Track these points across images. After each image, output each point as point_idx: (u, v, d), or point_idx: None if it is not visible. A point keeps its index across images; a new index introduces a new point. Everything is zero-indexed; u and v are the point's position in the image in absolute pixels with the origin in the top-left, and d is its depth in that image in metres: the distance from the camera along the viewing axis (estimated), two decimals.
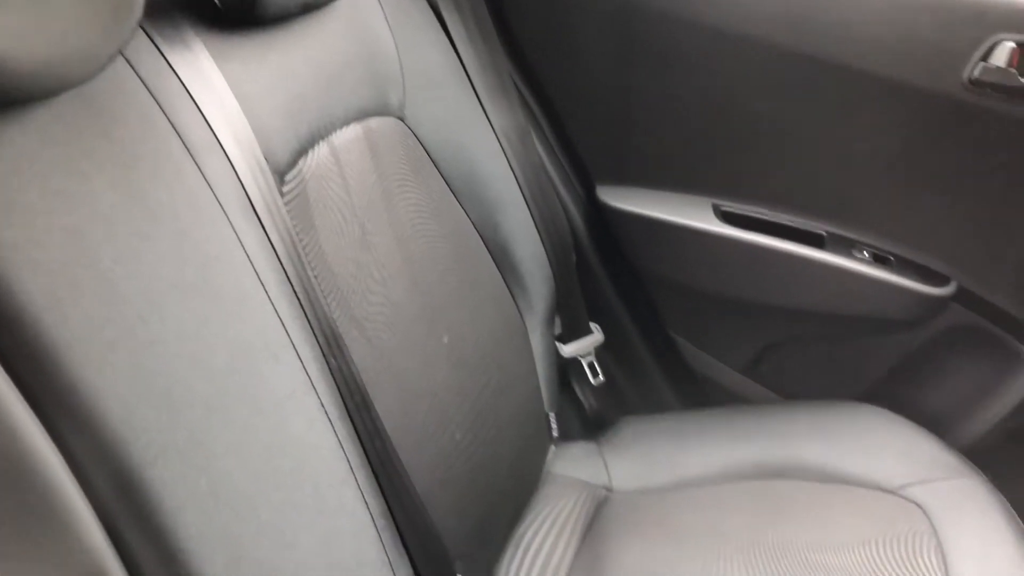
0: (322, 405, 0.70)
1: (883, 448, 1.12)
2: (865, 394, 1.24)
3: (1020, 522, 1.01)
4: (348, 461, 0.71)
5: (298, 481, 0.65)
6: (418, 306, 0.92)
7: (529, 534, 1.07)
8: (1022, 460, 1.18)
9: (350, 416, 0.73)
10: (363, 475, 0.73)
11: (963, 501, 1.03)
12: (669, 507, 1.11)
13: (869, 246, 1.20)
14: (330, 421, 0.70)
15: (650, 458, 1.20)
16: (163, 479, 0.54)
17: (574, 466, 1.20)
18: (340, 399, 0.73)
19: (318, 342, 0.72)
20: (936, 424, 1.17)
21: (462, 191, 1.04)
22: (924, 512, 1.01)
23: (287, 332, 0.69)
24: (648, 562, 1.01)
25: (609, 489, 1.17)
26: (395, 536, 0.75)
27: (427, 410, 0.88)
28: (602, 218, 1.31)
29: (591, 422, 1.25)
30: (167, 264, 0.59)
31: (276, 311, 0.69)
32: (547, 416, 1.16)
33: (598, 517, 1.12)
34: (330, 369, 0.73)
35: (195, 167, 0.65)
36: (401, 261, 0.92)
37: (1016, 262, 1.14)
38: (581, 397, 1.23)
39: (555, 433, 1.18)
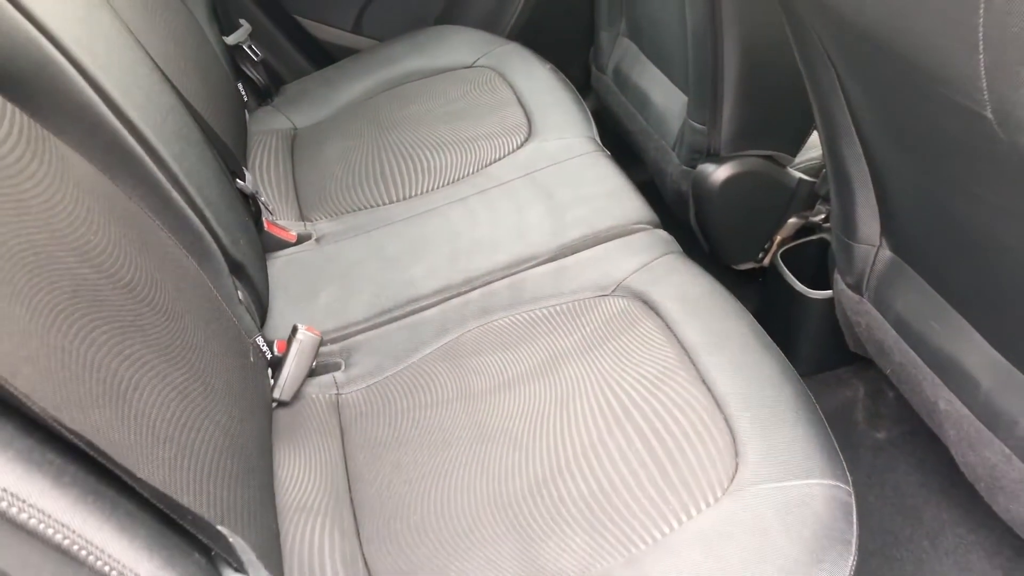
0: None
1: (459, 45, 1.70)
2: (439, 20, 1.82)
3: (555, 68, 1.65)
4: None
5: None
6: None
7: (257, 163, 1.52)
8: (544, 35, 1.83)
9: None
10: None
11: (517, 59, 1.64)
12: (340, 124, 1.61)
13: None
14: None
15: (314, 101, 1.68)
16: None
17: (266, 122, 1.65)
18: None
19: None
20: (485, 24, 1.78)
21: None
22: (496, 71, 1.62)
23: None
24: (341, 151, 1.51)
25: (295, 128, 1.64)
26: None
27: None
28: None
29: (263, 93, 1.68)
30: None
31: None
32: (236, 86, 1.57)
33: (296, 146, 1.59)
34: None
35: None
36: None
37: None
38: (251, 74, 1.65)
39: (245, 99, 1.61)
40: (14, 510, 0.46)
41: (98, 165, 0.88)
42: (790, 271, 1.45)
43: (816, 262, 1.50)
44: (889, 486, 1.32)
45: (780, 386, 0.94)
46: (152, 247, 0.89)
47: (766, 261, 1.54)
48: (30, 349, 0.61)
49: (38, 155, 0.77)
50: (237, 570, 0.59)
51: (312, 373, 1.09)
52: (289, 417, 1.05)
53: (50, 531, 0.47)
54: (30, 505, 0.47)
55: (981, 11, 0.61)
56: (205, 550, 0.59)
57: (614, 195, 1.26)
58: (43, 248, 0.70)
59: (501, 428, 0.97)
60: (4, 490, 0.46)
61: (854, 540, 0.80)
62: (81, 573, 0.48)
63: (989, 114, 0.66)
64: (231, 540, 0.60)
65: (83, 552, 0.49)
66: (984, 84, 0.65)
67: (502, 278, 1.17)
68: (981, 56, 0.63)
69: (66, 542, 0.48)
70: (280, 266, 1.28)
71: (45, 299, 0.66)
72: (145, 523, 0.54)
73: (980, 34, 0.62)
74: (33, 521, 0.46)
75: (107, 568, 0.50)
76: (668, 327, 1.03)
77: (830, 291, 1.33)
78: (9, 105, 0.78)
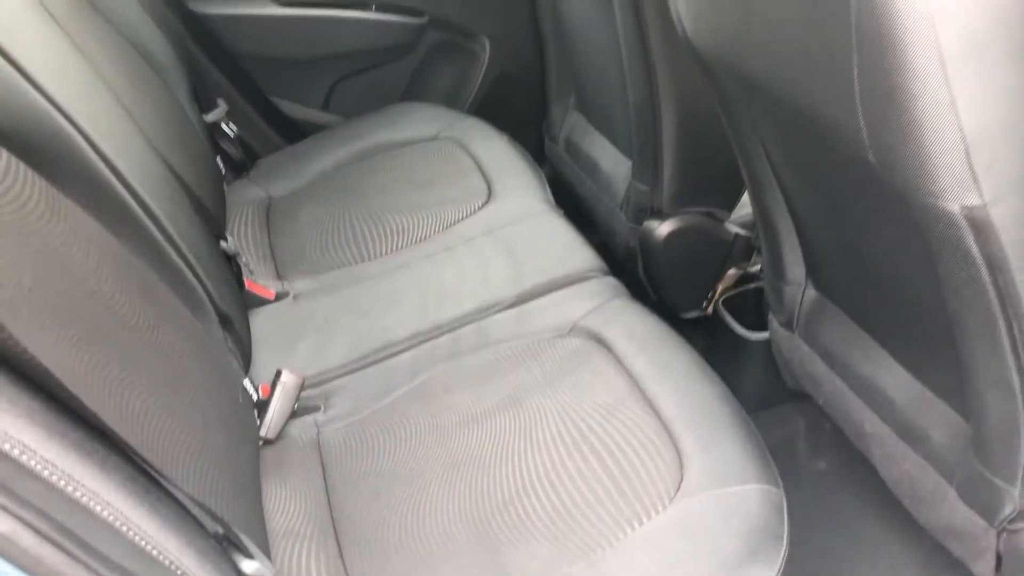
0: None
1: (423, 120, 1.84)
2: (404, 97, 1.97)
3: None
4: None
5: None
6: None
7: (236, 231, 1.62)
8: (501, 110, 1.97)
9: None
10: None
11: (476, 131, 1.78)
12: (313, 193, 1.73)
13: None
14: None
15: (288, 173, 1.80)
16: None
17: (243, 193, 1.76)
18: None
19: None
20: (446, 100, 1.93)
21: None
22: (458, 143, 1.75)
23: None
24: (315, 217, 1.63)
25: (270, 198, 1.75)
26: None
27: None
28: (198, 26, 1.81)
29: (239, 167, 1.80)
30: None
31: None
32: (215, 159, 1.68)
33: (271, 214, 1.70)
34: None
35: None
36: None
37: None
38: (228, 149, 1.76)
39: (223, 171, 1.72)
40: (70, 488, 0.55)
41: (103, 223, 0.99)
42: (731, 317, 1.58)
43: (754, 308, 1.63)
44: (831, 511, 1.43)
45: (719, 407, 1.05)
46: (152, 296, 0.99)
47: (709, 309, 1.67)
48: (60, 375, 0.70)
49: (56, 214, 0.88)
50: (245, 555, 0.68)
51: (294, 415, 1.18)
52: (274, 455, 1.13)
53: (98, 508, 0.56)
54: (83, 485, 0.56)
55: (855, 74, 0.75)
56: (218, 538, 0.68)
57: (567, 247, 1.38)
58: (64, 291, 0.80)
59: (470, 456, 1.07)
60: (63, 472, 0.55)
61: (785, 535, 0.90)
62: (122, 543, 0.57)
63: (871, 158, 0.80)
64: (240, 534, 0.69)
65: (124, 527, 0.57)
66: (864, 133, 0.78)
67: (468, 323, 1.28)
68: (859, 109, 0.77)
69: (111, 518, 0.57)
70: (261, 321, 1.38)
71: (68, 334, 0.76)
72: (172, 508, 0.63)
73: (856, 92, 0.76)
74: (85, 499, 0.56)
75: (143, 543, 0.58)
76: (619, 361, 1.14)
77: (767, 333, 1.46)
78: (30, 171, 0.88)
